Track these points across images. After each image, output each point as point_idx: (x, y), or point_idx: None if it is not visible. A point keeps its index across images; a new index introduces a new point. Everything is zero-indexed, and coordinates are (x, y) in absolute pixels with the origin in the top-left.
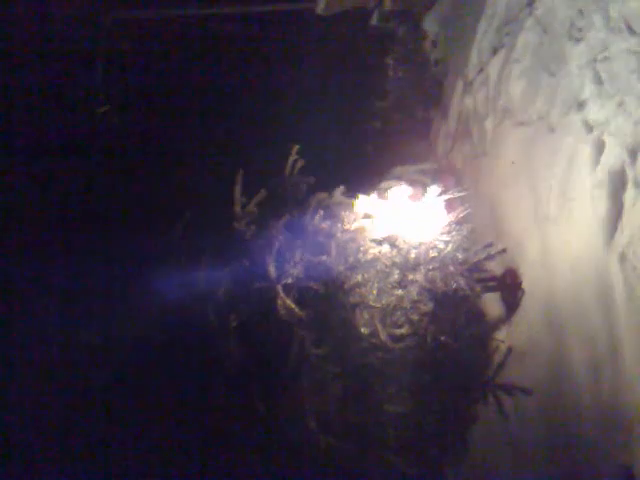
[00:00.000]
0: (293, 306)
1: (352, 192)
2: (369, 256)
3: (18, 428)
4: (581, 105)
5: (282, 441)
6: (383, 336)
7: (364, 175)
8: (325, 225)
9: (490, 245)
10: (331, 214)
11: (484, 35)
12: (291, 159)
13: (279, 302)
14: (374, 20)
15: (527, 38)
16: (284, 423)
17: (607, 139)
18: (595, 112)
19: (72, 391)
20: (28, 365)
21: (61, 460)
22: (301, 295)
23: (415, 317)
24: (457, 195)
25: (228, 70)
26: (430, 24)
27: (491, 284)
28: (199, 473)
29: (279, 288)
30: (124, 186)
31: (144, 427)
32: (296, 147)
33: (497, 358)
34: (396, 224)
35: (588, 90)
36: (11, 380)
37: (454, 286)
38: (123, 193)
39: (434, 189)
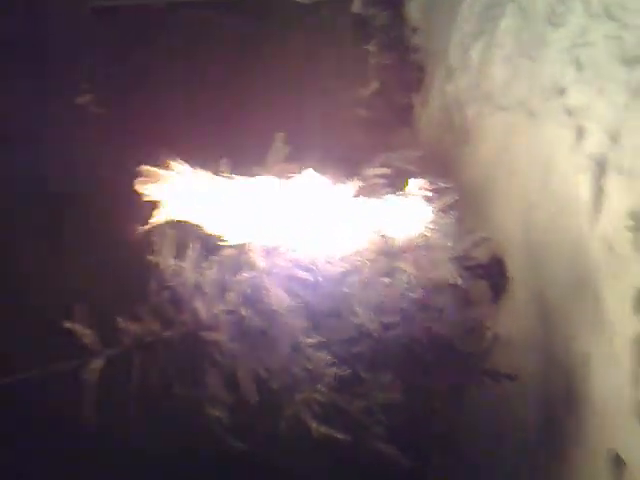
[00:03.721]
0: (283, 295)
1: (335, 180)
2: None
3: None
4: (561, 91)
5: (274, 431)
6: (372, 325)
7: (347, 163)
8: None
9: (475, 232)
10: None
11: (465, 21)
12: (275, 147)
13: (268, 291)
14: (355, 7)
15: (508, 24)
16: (276, 413)
17: (588, 124)
18: (575, 97)
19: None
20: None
21: None
22: (290, 284)
23: (403, 305)
24: (441, 185)
25: (210, 58)
26: (412, 10)
27: (477, 272)
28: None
29: (268, 277)
30: (108, 177)
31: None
32: (280, 135)
33: (484, 345)
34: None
35: (568, 76)
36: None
37: (441, 274)
38: (107, 184)
39: (417, 178)
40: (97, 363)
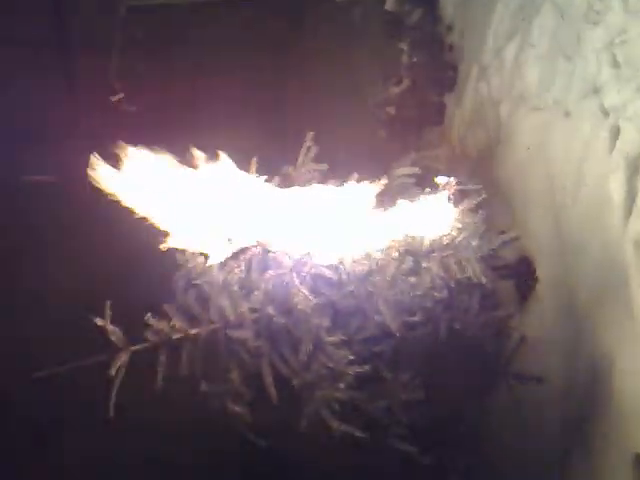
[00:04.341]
0: (307, 293)
1: (365, 179)
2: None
3: None
4: (597, 90)
5: (294, 429)
6: (394, 325)
7: (377, 161)
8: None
9: (504, 232)
10: None
11: (500, 20)
12: (305, 146)
13: (294, 290)
14: (389, 5)
15: (543, 22)
16: (297, 411)
17: (623, 124)
18: (612, 97)
19: None
20: None
21: None
22: (315, 282)
23: (429, 305)
24: (470, 185)
25: (242, 56)
26: (446, 8)
27: (505, 272)
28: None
29: (294, 275)
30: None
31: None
32: (310, 134)
33: (510, 346)
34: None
35: (605, 74)
36: None
37: (468, 274)
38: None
39: (447, 177)
40: (123, 359)
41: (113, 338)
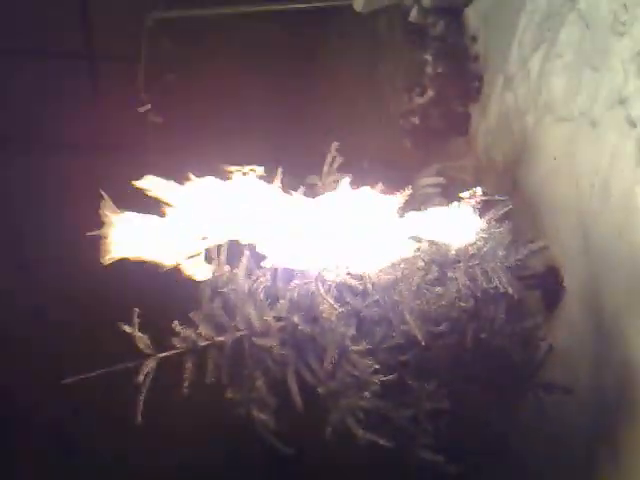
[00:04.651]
0: (332, 302)
1: (390, 188)
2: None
3: None
4: (624, 101)
5: (318, 437)
6: (420, 334)
7: (402, 171)
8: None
9: (531, 242)
10: None
11: (525, 30)
12: (329, 156)
13: (319, 298)
14: (413, 16)
15: (569, 33)
16: (321, 419)
17: None
18: (638, 108)
19: None
20: None
21: None
22: (340, 291)
23: (454, 314)
24: (497, 197)
25: (267, 66)
26: (470, 19)
27: (532, 282)
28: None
29: (319, 284)
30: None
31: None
32: (335, 144)
33: (537, 356)
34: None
35: (632, 85)
36: None
37: (494, 283)
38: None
39: (472, 187)
40: (150, 366)
41: (141, 345)
